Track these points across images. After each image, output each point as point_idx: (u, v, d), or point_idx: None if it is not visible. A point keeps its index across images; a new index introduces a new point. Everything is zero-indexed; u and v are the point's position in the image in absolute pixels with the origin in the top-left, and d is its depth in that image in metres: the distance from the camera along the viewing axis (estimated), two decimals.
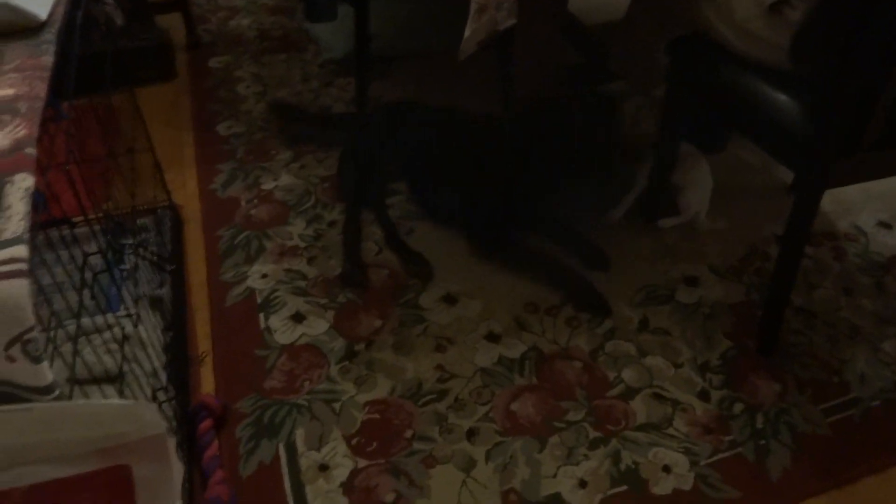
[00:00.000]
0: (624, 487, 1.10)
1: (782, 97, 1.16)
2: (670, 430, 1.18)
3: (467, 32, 1.17)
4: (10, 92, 0.77)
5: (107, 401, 0.78)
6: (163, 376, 1.12)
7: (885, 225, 1.60)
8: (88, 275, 0.89)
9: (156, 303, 1.35)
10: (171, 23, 2.34)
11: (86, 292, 1.24)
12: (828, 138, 1.07)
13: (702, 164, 1.61)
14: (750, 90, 1.22)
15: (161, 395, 1.03)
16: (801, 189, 1.14)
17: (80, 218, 1.51)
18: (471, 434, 1.17)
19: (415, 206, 1.65)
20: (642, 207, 1.62)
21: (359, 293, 1.43)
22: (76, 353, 0.94)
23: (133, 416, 0.64)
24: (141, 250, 1.31)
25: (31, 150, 0.67)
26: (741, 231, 1.59)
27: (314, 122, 1.94)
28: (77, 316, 1.03)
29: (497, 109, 1.65)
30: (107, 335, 1.28)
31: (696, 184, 1.60)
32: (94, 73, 1.45)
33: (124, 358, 1.12)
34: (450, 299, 1.42)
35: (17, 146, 0.68)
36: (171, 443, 0.69)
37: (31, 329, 0.55)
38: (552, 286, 1.43)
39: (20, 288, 0.54)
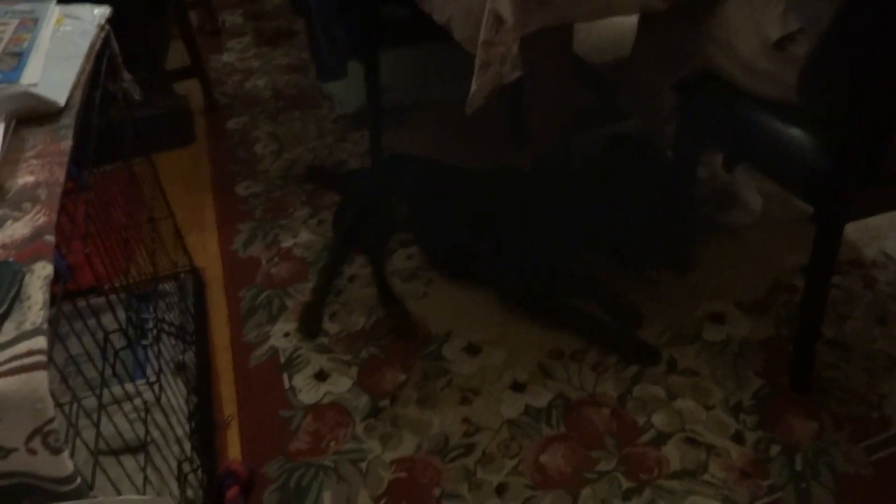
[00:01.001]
0: None
1: (795, 132, 1.15)
2: (706, 477, 1.14)
3: (473, 87, 1.18)
4: (30, 179, 0.79)
5: (129, 497, 0.77)
6: (187, 446, 1.11)
7: None
8: (110, 350, 0.90)
9: (179, 369, 1.36)
10: (189, 88, 2.41)
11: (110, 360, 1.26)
12: (844, 172, 1.05)
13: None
14: (761, 126, 1.21)
15: (186, 467, 1.03)
16: (821, 223, 1.12)
17: (104, 288, 1.55)
18: (500, 490, 1.15)
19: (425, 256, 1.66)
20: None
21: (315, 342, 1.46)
22: (98, 426, 0.95)
23: None
24: (162, 321, 1.33)
25: (49, 238, 0.68)
26: (764, 264, 1.56)
27: (340, 182, 1.97)
28: (101, 388, 1.04)
29: (511, 162, 1.67)
30: (129, 406, 1.29)
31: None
32: (115, 142, 1.50)
33: (147, 429, 1.13)
34: (472, 349, 1.41)
35: (37, 233, 0.70)
36: None
37: (51, 421, 0.56)
38: (592, 340, 1.40)
39: (40, 381, 0.54)
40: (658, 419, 1.24)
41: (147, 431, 1.12)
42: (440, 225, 1.64)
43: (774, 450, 1.18)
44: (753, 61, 1.21)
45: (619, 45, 2.09)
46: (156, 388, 1.22)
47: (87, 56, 1.14)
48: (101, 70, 1.23)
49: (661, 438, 1.21)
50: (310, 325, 1.48)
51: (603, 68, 2.29)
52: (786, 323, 1.41)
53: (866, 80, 0.97)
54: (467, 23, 1.29)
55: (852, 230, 1.61)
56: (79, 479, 0.59)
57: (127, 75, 1.38)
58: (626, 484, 1.14)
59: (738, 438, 1.20)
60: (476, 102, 1.21)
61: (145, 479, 0.97)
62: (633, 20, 1.62)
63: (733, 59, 1.25)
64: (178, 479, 1.00)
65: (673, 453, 1.18)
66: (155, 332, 1.15)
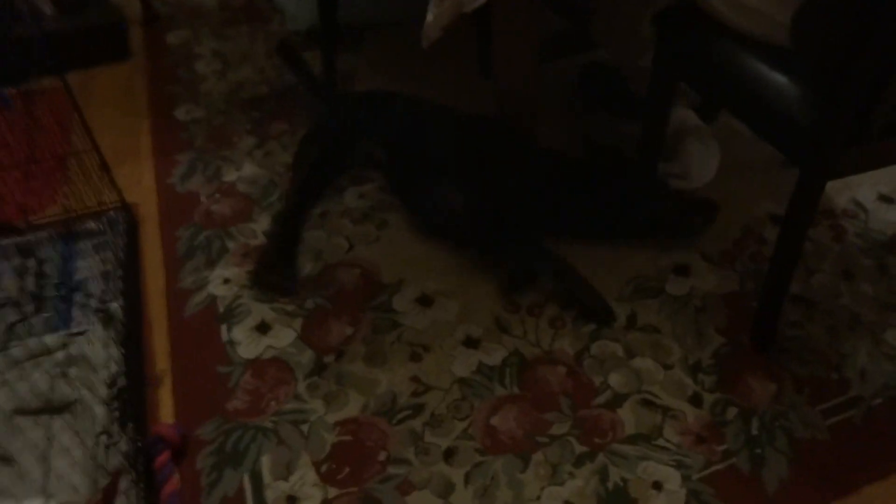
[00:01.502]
0: None
1: (781, 79, 1.05)
2: (660, 441, 1.11)
3: (429, 17, 1.05)
4: None
5: None
6: (105, 416, 1.03)
7: (887, 199, 1.51)
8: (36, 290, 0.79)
9: (108, 319, 1.25)
10: None
11: (32, 308, 1.15)
12: (833, 127, 0.96)
13: (708, 133, 1.52)
14: (745, 70, 1.11)
15: (104, 440, 0.94)
16: (801, 180, 1.03)
17: (27, 224, 1.42)
18: (449, 454, 1.10)
19: (391, 198, 1.54)
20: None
21: (275, 295, 1.35)
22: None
23: None
24: (68, 286, 1.21)
25: None
26: (734, 210, 1.49)
27: (307, 80, 1.79)
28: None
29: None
30: (58, 356, 1.20)
31: (710, 152, 1.51)
32: (37, 57, 1.33)
33: (67, 383, 1.04)
34: (425, 300, 1.33)
35: None
36: None
37: None
38: (556, 290, 1.33)
39: None
40: (615, 379, 1.20)
41: (63, 391, 1.04)
42: (419, 174, 1.49)
43: (731, 412, 1.14)
44: None
45: None
46: (76, 342, 1.12)
47: None
48: None
49: (617, 400, 1.17)
50: (262, 280, 1.36)
51: None
52: (751, 276, 1.36)
53: (867, 26, 0.86)
54: None
55: None
56: None
57: None
58: (579, 448, 1.10)
59: (695, 400, 1.16)
60: (433, 34, 1.08)
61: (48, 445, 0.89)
62: None
63: None
64: (93, 455, 0.92)
65: (628, 416, 1.14)
66: (64, 290, 1.03)
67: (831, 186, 1.52)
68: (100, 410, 1.08)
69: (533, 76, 1.45)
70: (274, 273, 1.36)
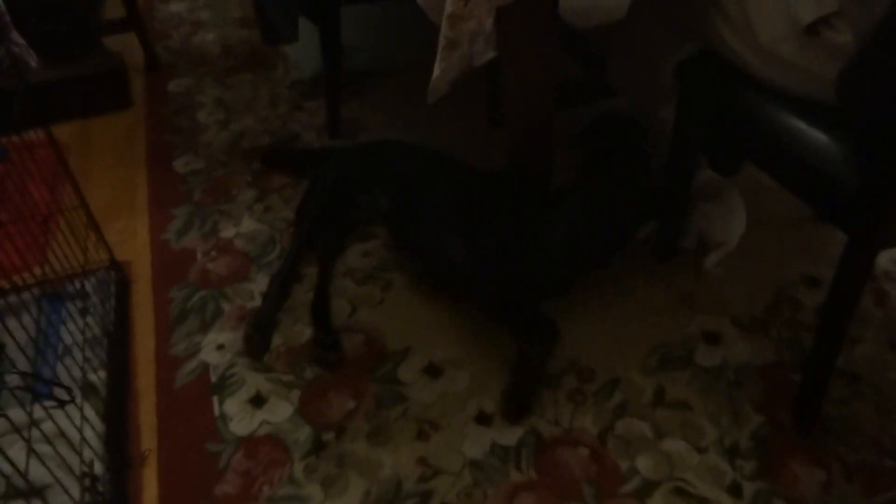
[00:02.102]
0: None
1: (822, 137, 0.96)
2: None
3: (436, 72, 0.97)
4: None
5: None
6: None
7: None
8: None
9: (90, 390, 1.16)
10: (126, 43, 2.13)
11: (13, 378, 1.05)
12: (886, 191, 0.87)
13: (729, 188, 1.42)
14: (779, 125, 1.02)
15: None
16: (849, 249, 0.94)
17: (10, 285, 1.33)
18: None
19: (396, 256, 1.45)
20: (654, 247, 1.43)
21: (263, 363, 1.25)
22: None
23: None
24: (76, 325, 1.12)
25: None
26: (765, 272, 1.39)
27: (302, 165, 1.70)
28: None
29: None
30: (36, 432, 1.09)
31: (730, 212, 1.41)
32: (23, 110, 1.26)
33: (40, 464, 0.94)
34: (434, 370, 1.23)
35: None
36: None
37: None
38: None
39: None
40: (643, 464, 1.08)
41: (35, 473, 0.93)
42: (423, 223, 1.39)
43: None
44: (776, 46, 1.00)
45: (614, 7, 1.86)
46: (63, 410, 1.02)
47: None
48: None
49: (647, 488, 1.05)
50: (255, 345, 1.27)
51: (592, 34, 2.06)
52: (788, 346, 1.25)
53: None
54: None
55: None
56: None
57: (19, 39, 1.13)
58: None
59: (734, 490, 1.04)
60: (439, 88, 1.00)
61: None
62: None
63: (751, 42, 1.04)
64: None
65: None
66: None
67: None
68: (69, 501, 0.98)
69: (546, 126, 1.37)
70: (264, 338, 1.27)
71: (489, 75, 1.80)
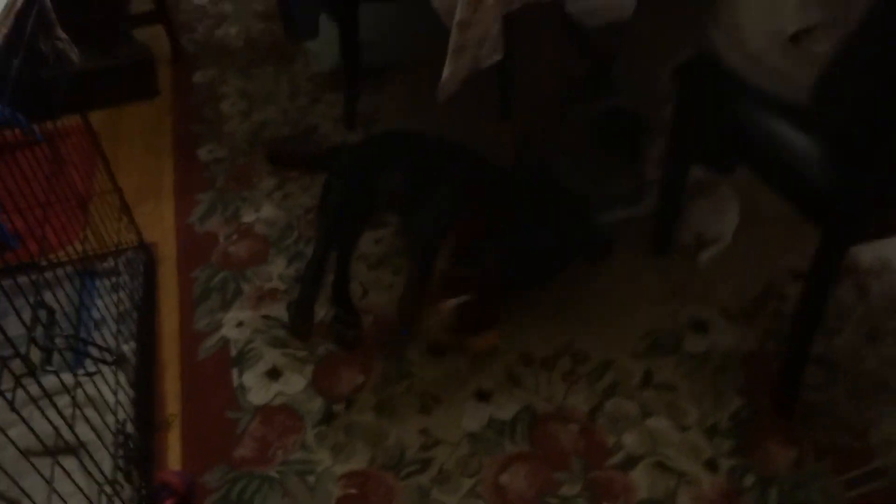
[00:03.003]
0: None
1: (802, 139, 1.03)
2: None
3: (446, 73, 1.05)
4: None
5: None
6: (108, 465, 1.02)
7: None
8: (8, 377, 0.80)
9: (121, 360, 1.26)
10: (154, 35, 2.23)
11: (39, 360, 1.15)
12: (855, 190, 0.94)
13: (723, 186, 1.50)
14: (763, 126, 1.10)
15: (108, 489, 0.94)
16: (823, 244, 1.01)
17: (47, 262, 1.43)
18: None
19: (406, 242, 1.53)
20: (652, 236, 1.51)
21: (309, 346, 1.33)
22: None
23: None
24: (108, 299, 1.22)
25: None
26: (755, 265, 1.46)
27: (309, 165, 1.78)
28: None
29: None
30: (70, 397, 1.20)
31: (723, 208, 1.48)
32: (63, 97, 1.35)
33: (56, 432, 1.04)
34: (437, 349, 1.32)
35: None
36: None
37: None
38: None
39: None
40: (629, 440, 1.17)
41: (70, 434, 1.03)
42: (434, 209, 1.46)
43: (749, 480, 1.10)
44: (763, 54, 1.08)
45: (619, 7, 1.92)
46: (88, 383, 1.12)
47: (3, 15, 0.99)
48: (24, 30, 1.08)
49: (631, 462, 1.13)
50: (300, 327, 1.35)
51: (598, 34, 2.13)
52: (772, 336, 1.32)
53: (892, 93, 0.85)
54: None
55: None
56: None
57: (62, 34, 1.23)
58: None
59: (711, 465, 1.13)
60: (450, 88, 1.09)
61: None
62: None
63: (740, 49, 1.12)
64: (100, 497, 0.91)
65: (642, 479, 1.11)
66: (73, 342, 1.04)
67: None
68: (106, 455, 1.08)
69: (553, 120, 1.45)
70: (307, 321, 1.35)
71: (500, 71, 1.88)
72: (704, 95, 1.25)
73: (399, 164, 1.55)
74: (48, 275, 1.38)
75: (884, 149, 0.89)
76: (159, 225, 1.64)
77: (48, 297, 1.32)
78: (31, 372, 0.77)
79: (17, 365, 0.94)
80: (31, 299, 0.94)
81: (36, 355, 0.98)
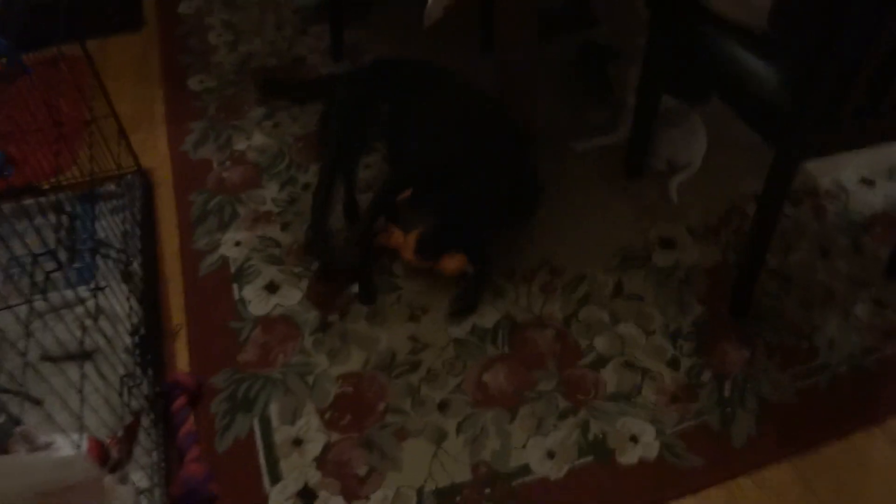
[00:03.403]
0: (591, 458, 1.12)
1: (761, 63, 1.11)
2: (638, 399, 1.20)
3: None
4: None
5: (43, 455, 0.77)
6: (129, 360, 1.12)
7: (868, 182, 1.58)
8: (40, 274, 0.88)
9: (126, 276, 1.34)
10: None
11: (66, 259, 1.23)
12: (806, 110, 1.03)
13: (693, 116, 1.58)
14: (727, 52, 1.17)
15: (128, 381, 1.03)
16: (775, 160, 1.11)
17: (41, 188, 1.49)
18: (442, 406, 1.19)
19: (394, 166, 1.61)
20: (625, 162, 1.60)
21: (328, 275, 1.40)
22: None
23: (68, 465, 0.64)
24: (97, 240, 1.29)
25: None
26: (721, 188, 1.56)
27: (300, 94, 1.83)
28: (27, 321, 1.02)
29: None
30: (79, 310, 1.29)
31: (693, 136, 1.58)
32: (49, 25, 1.39)
33: (89, 338, 1.13)
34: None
35: None
36: (110, 479, 0.70)
37: None
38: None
39: None
40: (600, 343, 1.28)
41: (86, 340, 1.12)
42: (424, 124, 1.51)
43: (706, 376, 1.23)
44: None
45: None
46: (99, 295, 1.20)
47: None
48: None
49: (601, 361, 1.25)
50: (319, 251, 1.42)
51: None
52: (733, 250, 1.43)
53: (843, 12, 0.93)
54: None
55: None
56: None
57: None
58: (563, 404, 1.19)
59: (673, 364, 1.25)
60: (434, 14, 1.15)
61: (81, 390, 0.97)
62: None
63: None
64: (120, 393, 1.01)
65: (610, 376, 1.23)
66: (93, 243, 1.12)
67: (816, 167, 1.60)
68: (122, 357, 1.17)
69: (532, 52, 1.51)
70: (324, 241, 1.43)
71: (481, 3, 1.92)
72: (674, 26, 1.32)
73: (390, 93, 1.62)
74: (55, 197, 1.45)
75: (829, 68, 0.97)
76: (153, 152, 1.69)
77: (52, 218, 1.39)
78: (60, 268, 0.85)
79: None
80: (52, 210, 1.01)
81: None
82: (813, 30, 0.99)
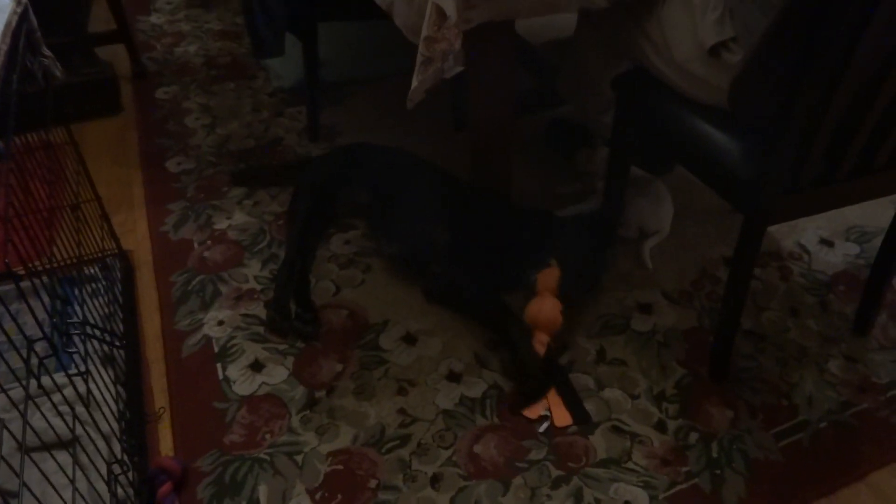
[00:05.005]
0: None
1: (724, 137, 1.19)
2: (629, 465, 1.21)
3: (414, 83, 1.17)
4: None
5: None
6: (117, 447, 1.09)
7: (828, 243, 1.66)
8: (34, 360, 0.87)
9: (108, 360, 1.32)
10: (115, 53, 2.29)
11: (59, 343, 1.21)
12: (768, 179, 1.10)
13: (659, 184, 1.66)
14: (692, 128, 1.25)
15: (116, 469, 1.01)
16: (744, 226, 1.17)
17: (25, 272, 1.48)
18: (435, 480, 1.18)
19: (374, 244, 1.64)
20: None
21: (289, 340, 1.42)
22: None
23: None
24: (85, 323, 1.28)
25: None
26: (692, 254, 1.63)
27: (272, 181, 1.87)
28: (25, 406, 1.00)
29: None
30: (57, 397, 1.25)
31: (660, 203, 1.65)
32: (32, 112, 1.41)
33: (74, 424, 1.10)
34: (410, 339, 1.43)
35: None
36: None
37: None
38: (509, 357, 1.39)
39: None
40: (587, 408, 1.30)
41: (74, 426, 1.09)
42: (398, 218, 1.59)
43: (693, 437, 1.25)
44: (688, 65, 1.24)
45: (561, 26, 2.10)
46: (83, 380, 1.18)
47: (2, 34, 1.06)
48: (18, 48, 1.16)
49: (590, 427, 1.26)
50: (279, 326, 1.44)
51: (543, 49, 2.30)
52: (708, 313, 1.48)
53: (794, 92, 1.01)
54: (409, 10, 1.27)
55: None
56: None
57: (47, 52, 1.30)
58: (555, 472, 1.19)
59: (660, 427, 1.27)
60: (417, 97, 1.21)
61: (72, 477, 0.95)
62: None
63: (668, 61, 1.28)
64: (107, 481, 0.98)
65: (600, 442, 1.24)
66: (81, 328, 1.11)
67: (778, 231, 1.68)
68: (103, 445, 1.14)
69: (507, 131, 1.58)
70: (285, 318, 1.45)
71: (454, 84, 2.01)
72: (640, 103, 1.40)
73: (361, 176, 1.68)
74: (37, 281, 1.43)
75: (786, 143, 1.05)
76: (133, 234, 1.70)
77: (34, 303, 1.37)
78: (55, 353, 0.84)
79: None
80: (48, 291, 1.00)
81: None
82: (769, 108, 1.07)
